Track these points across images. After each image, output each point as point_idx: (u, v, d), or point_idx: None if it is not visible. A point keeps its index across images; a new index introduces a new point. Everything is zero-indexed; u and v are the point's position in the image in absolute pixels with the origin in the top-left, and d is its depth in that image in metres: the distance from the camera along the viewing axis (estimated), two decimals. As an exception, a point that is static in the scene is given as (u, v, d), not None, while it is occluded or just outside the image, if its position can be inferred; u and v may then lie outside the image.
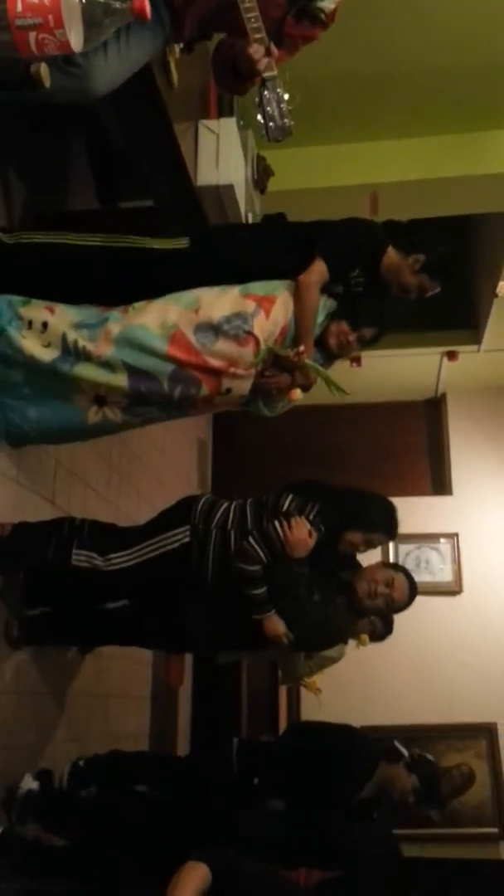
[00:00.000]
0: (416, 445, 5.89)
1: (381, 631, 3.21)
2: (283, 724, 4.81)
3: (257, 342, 2.47)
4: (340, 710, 4.13)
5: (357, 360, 5.12)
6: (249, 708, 4.83)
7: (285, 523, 2.53)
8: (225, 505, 2.67)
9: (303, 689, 4.17)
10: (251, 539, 2.53)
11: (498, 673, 4.99)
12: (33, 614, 2.85)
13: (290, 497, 2.64)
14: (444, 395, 5.82)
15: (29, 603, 2.86)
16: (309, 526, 2.54)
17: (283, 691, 4.82)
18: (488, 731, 4.94)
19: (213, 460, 6.02)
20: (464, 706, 4.95)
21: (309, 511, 2.59)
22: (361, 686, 4.69)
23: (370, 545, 2.70)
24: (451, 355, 5.29)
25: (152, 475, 4.52)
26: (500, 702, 4.94)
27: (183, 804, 3.40)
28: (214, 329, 2.44)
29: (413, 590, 2.76)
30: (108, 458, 3.90)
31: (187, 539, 2.56)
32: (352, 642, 3.13)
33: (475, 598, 5.23)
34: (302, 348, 2.51)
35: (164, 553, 2.55)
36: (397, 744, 3.09)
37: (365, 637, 3.05)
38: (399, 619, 4.31)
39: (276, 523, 2.53)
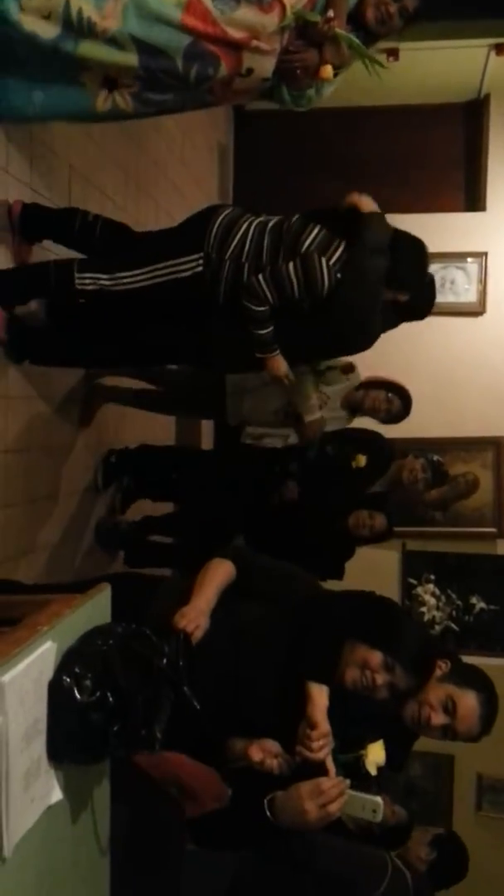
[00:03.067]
0: (452, 155, 5.46)
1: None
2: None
3: (283, 7, 2.22)
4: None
5: (394, 54, 4.62)
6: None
7: (300, 269, 2.32)
8: (244, 227, 2.44)
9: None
10: (260, 278, 2.35)
11: (512, 391, 5.11)
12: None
13: (316, 231, 2.36)
14: (487, 97, 5.28)
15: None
16: (325, 271, 2.30)
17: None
18: (496, 444, 5.13)
19: (234, 169, 5.68)
20: (474, 421, 5.10)
21: (332, 252, 2.34)
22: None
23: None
24: (500, 48, 4.73)
25: (171, 185, 4.32)
26: (510, 418, 5.11)
27: (211, 492, 3.70)
28: None
29: None
30: (124, 166, 3.70)
31: (200, 269, 2.43)
32: None
33: (497, 320, 5.16)
34: (332, 13, 2.24)
35: (176, 280, 2.45)
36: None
37: None
38: (418, 340, 4.39)
39: (290, 267, 2.33)
